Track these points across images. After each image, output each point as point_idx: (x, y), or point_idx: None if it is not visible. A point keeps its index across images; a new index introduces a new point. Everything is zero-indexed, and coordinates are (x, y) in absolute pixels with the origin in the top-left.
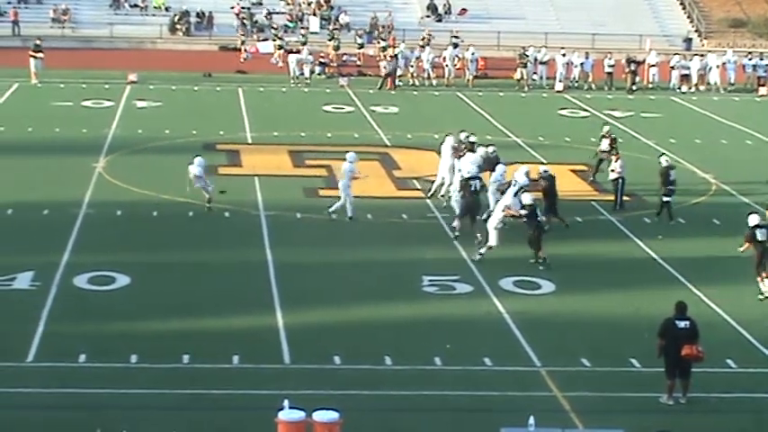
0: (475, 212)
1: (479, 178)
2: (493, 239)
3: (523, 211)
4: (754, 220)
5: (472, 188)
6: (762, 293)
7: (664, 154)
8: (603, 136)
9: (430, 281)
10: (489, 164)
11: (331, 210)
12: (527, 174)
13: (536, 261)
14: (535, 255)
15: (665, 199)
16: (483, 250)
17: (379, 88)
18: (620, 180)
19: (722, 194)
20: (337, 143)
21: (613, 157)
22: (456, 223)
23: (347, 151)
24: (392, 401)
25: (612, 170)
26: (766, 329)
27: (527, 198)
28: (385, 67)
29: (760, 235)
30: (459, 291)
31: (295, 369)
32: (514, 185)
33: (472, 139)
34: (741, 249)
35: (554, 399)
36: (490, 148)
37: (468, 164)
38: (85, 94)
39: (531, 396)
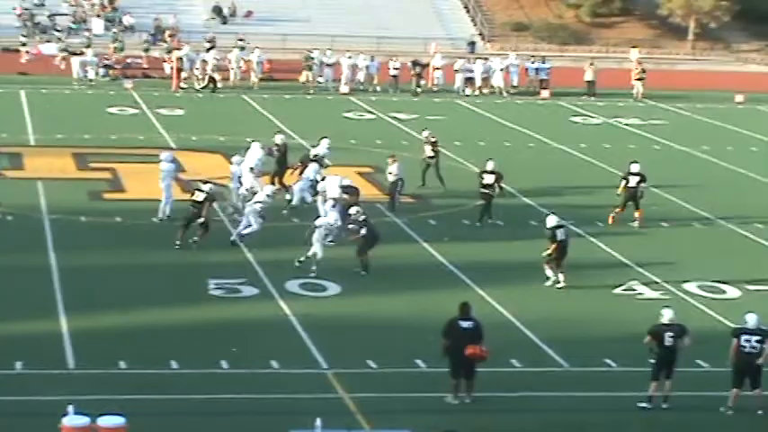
0: (192, 221)
1: (204, 182)
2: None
3: (363, 231)
4: (552, 221)
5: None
6: (548, 278)
7: (491, 159)
8: (425, 142)
9: (216, 284)
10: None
11: (160, 216)
12: (341, 186)
13: (362, 269)
14: (363, 263)
15: (478, 202)
16: (303, 258)
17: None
18: (399, 182)
19: (506, 196)
20: (122, 146)
21: (389, 159)
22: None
23: (133, 154)
24: (178, 405)
25: (390, 172)
26: (549, 329)
27: (361, 215)
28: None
29: (560, 234)
30: (246, 294)
31: (79, 374)
32: (332, 204)
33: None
34: (546, 253)
35: (340, 400)
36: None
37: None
38: None
39: (317, 398)
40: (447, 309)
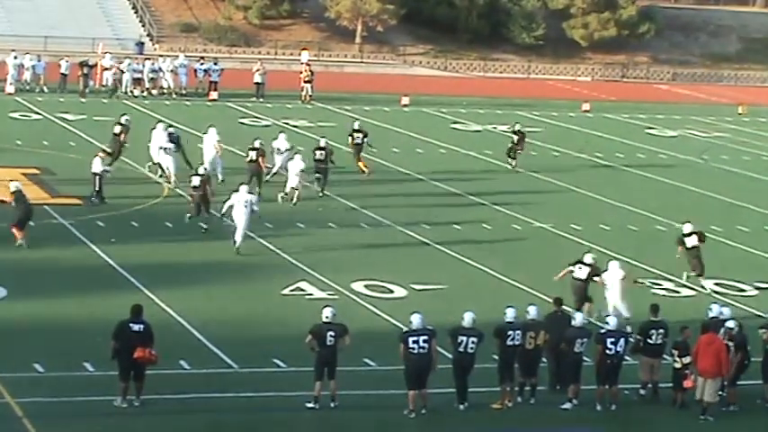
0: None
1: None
2: None
3: None
4: None
5: None
6: None
7: (324, 137)
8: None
9: None
10: None
11: None
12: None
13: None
14: None
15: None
16: None
17: None
18: None
19: (175, 197)
20: None
21: None
22: None
23: None
24: None
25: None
26: (218, 331)
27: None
28: None
29: None
30: None
31: None
32: None
33: None
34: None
35: (7, 405)
36: None
37: None
38: None
39: None
40: (116, 311)
